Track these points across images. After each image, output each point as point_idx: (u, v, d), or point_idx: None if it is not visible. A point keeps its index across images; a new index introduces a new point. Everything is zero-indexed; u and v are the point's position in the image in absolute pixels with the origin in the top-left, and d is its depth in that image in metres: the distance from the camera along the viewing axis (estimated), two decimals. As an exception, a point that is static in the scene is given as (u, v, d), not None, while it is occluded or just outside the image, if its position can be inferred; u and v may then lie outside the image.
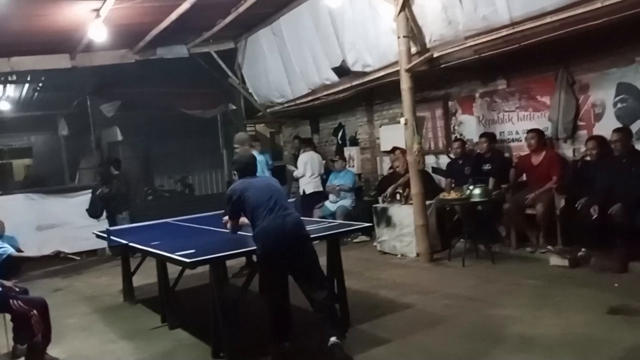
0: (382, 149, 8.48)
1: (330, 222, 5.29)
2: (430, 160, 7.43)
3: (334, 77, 7.47)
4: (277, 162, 9.58)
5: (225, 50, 9.09)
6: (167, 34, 7.46)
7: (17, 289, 4.01)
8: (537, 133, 5.95)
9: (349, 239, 7.45)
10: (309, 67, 7.85)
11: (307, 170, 8.36)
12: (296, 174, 8.32)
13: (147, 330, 4.56)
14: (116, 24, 6.49)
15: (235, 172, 3.94)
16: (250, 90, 9.47)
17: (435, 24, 5.73)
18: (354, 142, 9.14)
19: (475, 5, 5.26)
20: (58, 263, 3.65)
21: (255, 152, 6.06)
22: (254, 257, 4.13)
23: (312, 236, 3.81)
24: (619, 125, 5.29)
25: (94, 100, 9.18)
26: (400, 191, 6.88)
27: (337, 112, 9.35)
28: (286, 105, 8.96)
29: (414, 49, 5.95)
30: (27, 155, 14.25)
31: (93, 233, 5.94)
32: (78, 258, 3.73)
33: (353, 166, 8.87)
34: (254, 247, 3.65)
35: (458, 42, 5.61)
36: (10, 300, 3.70)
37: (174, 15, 6.63)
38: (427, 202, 6.15)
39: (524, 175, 6.22)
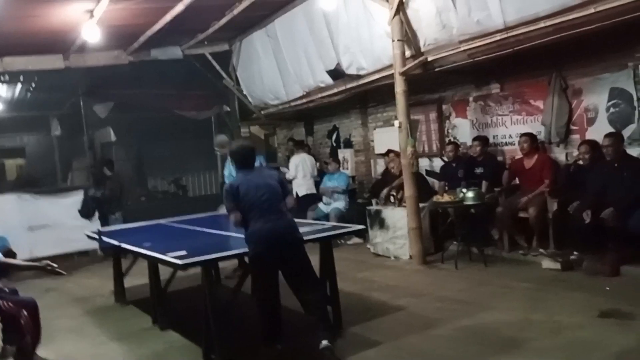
0: (376, 151, 8.50)
1: (323, 224, 5.28)
2: (424, 163, 7.45)
3: (329, 80, 7.48)
4: (271, 164, 9.56)
5: (220, 52, 9.08)
6: (161, 35, 7.44)
7: (7, 290, 3.98)
8: (530, 137, 5.97)
9: (343, 241, 7.44)
10: (303, 69, 7.86)
11: (298, 172, 8.35)
12: (288, 176, 8.32)
13: (138, 331, 4.53)
14: (110, 25, 6.47)
15: (232, 162, 3.84)
16: (244, 92, 9.45)
17: (429, 28, 5.75)
18: (348, 144, 9.14)
19: (469, 9, 5.28)
20: (46, 273, 3.63)
21: None
22: (246, 259, 4.12)
23: (305, 238, 3.79)
24: (611, 129, 5.32)
25: (87, 101, 9.14)
26: (394, 194, 6.90)
27: (331, 114, 9.36)
28: (280, 107, 8.95)
29: (408, 53, 5.97)
30: (19, 155, 14.17)
31: (85, 234, 5.91)
32: (64, 273, 3.74)
33: (347, 168, 8.88)
34: (247, 249, 3.63)
35: (452, 46, 5.63)
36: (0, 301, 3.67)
37: (168, 17, 6.63)
38: (421, 205, 6.16)
39: (517, 178, 6.25)
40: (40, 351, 3.83)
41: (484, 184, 6.22)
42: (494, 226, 6.16)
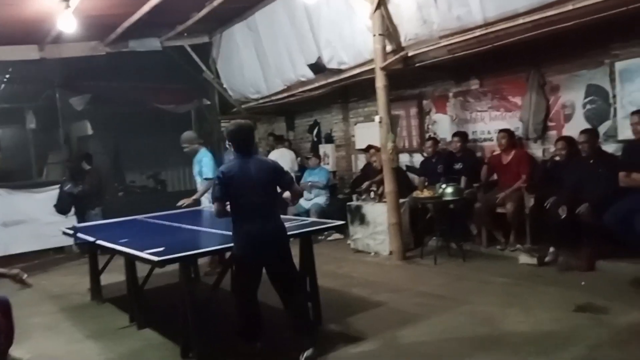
0: (357, 146, 8.49)
1: (303, 220, 5.26)
2: (404, 158, 7.47)
3: (310, 74, 7.44)
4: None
5: (200, 45, 8.97)
6: (139, 26, 7.30)
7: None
8: (508, 133, 6.03)
9: (323, 237, 7.44)
10: (284, 63, 7.80)
11: (276, 167, 8.30)
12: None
13: (115, 329, 4.46)
14: (86, 15, 6.32)
15: (229, 143, 3.47)
16: (224, 86, 9.36)
17: (410, 23, 5.75)
18: (329, 139, 9.13)
19: (449, 5, 5.30)
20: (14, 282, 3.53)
21: (203, 151, 5.99)
22: (227, 255, 4.08)
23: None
24: (588, 126, 5.40)
25: (63, 94, 8.93)
26: (375, 189, 6.91)
27: (312, 109, 9.32)
28: (261, 101, 8.89)
29: (389, 48, 5.97)
30: (-7, 148, 13.82)
31: (60, 230, 5.79)
32: (32, 285, 3.66)
33: (328, 163, 8.87)
34: (227, 245, 3.59)
35: (432, 42, 5.65)
36: (-30, 300, 3.58)
37: (146, 7, 6.50)
38: (401, 200, 6.18)
39: (495, 174, 6.31)
40: (14, 350, 3.75)
41: (463, 179, 6.27)
42: (473, 221, 6.22)
